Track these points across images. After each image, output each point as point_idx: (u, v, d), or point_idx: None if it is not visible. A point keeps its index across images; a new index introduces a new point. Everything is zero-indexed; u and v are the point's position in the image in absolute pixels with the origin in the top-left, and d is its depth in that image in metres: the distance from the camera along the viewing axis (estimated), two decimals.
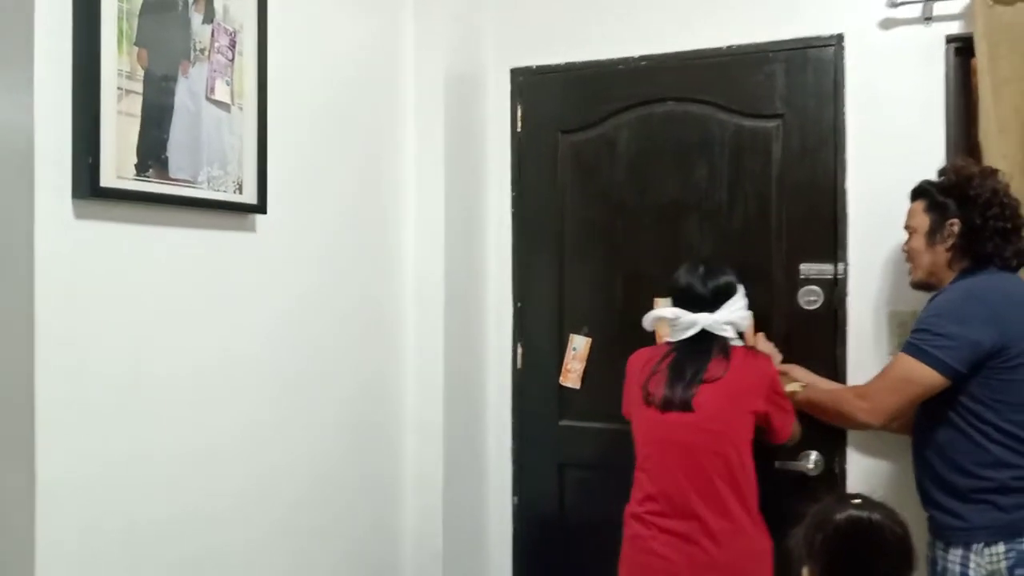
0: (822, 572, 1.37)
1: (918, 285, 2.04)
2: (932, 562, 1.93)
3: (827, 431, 2.24)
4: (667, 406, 2.01)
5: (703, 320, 2.03)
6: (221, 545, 1.79)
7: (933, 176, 2.02)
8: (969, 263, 1.94)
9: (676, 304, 2.09)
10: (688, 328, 2.04)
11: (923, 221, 1.98)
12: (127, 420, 1.58)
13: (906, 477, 2.09)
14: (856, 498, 1.42)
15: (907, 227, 2.04)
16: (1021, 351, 1.83)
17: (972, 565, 1.82)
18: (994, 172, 1.95)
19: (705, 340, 2.04)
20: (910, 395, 1.92)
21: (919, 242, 1.99)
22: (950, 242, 1.94)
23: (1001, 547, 1.80)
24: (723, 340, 2.04)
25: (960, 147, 2.19)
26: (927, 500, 1.96)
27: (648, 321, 2.16)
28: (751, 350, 2.10)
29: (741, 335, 2.11)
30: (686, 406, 1.98)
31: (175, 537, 1.68)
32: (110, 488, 1.55)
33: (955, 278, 1.95)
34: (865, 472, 2.24)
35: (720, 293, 2.06)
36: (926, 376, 1.86)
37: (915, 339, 1.89)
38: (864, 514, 1.37)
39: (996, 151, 2.04)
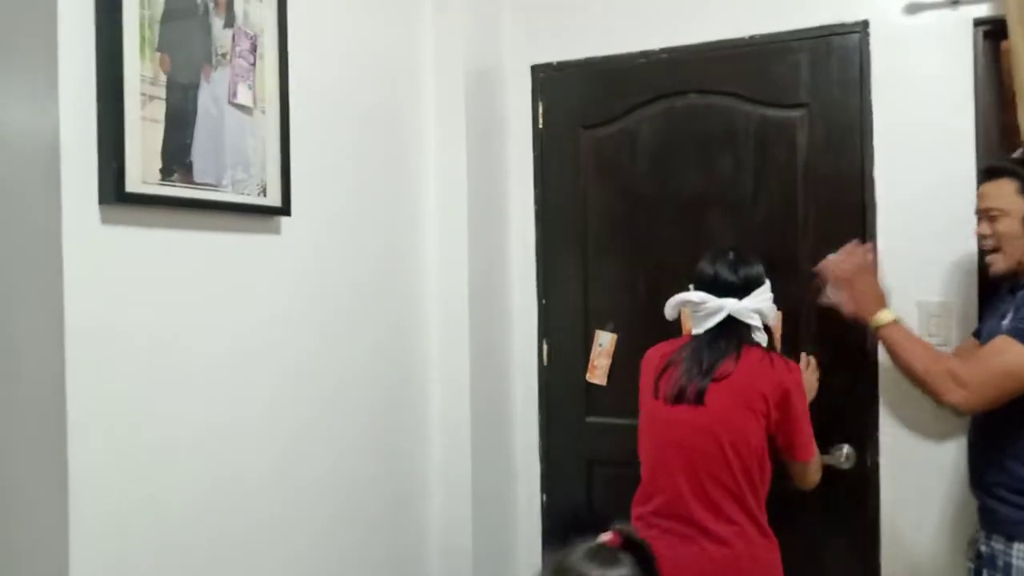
0: None
1: (1004, 274, 1.88)
2: (984, 556, 1.84)
3: (858, 422, 2.20)
4: (678, 399, 1.92)
5: (730, 306, 1.94)
6: (245, 527, 1.81)
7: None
8: None
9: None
10: (714, 314, 1.95)
11: (1016, 204, 1.82)
12: (154, 421, 1.60)
13: (944, 469, 2.05)
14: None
15: (987, 211, 1.87)
16: None
17: None
18: None
19: (726, 332, 1.95)
20: (1019, 388, 1.76)
21: (1012, 226, 1.83)
22: None
23: None
24: (744, 332, 1.95)
25: (991, 132, 2.15)
26: (987, 492, 1.85)
27: (671, 307, 2.05)
28: (770, 353, 1.97)
29: (767, 329, 2.02)
30: (699, 399, 1.90)
31: (204, 519, 1.70)
32: (140, 478, 1.57)
33: None
34: (900, 465, 2.20)
35: (751, 282, 1.98)
36: None
37: None
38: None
39: None
